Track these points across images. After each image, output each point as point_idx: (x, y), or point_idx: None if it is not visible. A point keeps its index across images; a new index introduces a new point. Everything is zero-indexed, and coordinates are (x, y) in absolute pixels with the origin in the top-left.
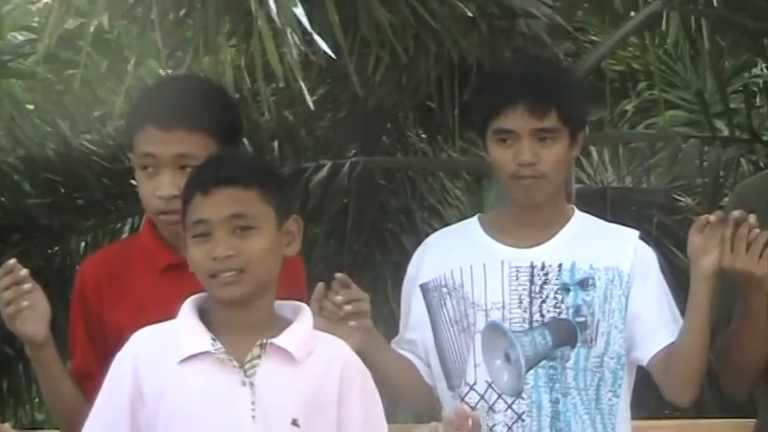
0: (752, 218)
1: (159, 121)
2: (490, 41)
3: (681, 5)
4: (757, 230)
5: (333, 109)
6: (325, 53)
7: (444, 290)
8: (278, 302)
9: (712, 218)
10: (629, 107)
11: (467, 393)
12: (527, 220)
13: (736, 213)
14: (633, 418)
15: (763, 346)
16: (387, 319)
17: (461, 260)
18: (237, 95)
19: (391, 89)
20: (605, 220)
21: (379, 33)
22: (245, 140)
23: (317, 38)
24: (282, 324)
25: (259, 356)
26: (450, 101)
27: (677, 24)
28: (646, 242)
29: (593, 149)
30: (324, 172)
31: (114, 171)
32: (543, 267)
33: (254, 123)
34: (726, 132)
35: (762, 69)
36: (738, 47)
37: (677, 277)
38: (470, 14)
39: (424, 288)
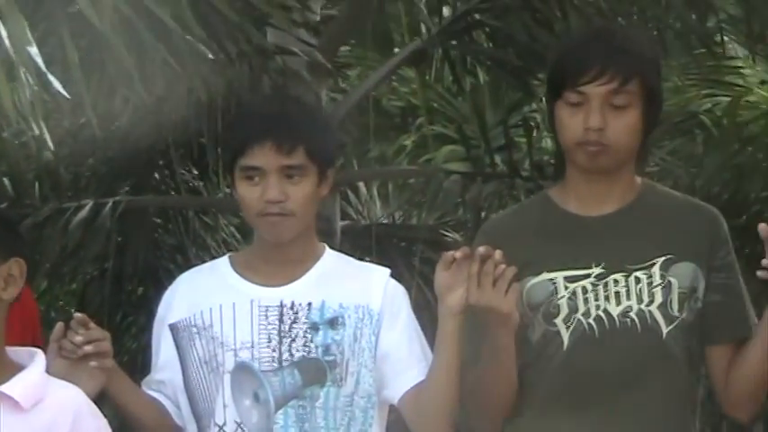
0: (498, 254)
1: None
2: (250, 79)
3: (443, 43)
4: (503, 266)
5: (103, 147)
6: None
7: (194, 329)
8: (14, 348)
9: (458, 254)
10: (407, 142)
11: None
12: (276, 259)
13: (481, 249)
14: None
15: (510, 384)
16: None
17: (211, 300)
18: None
19: (147, 129)
20: (371, 256)
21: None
22: (7, 180)
23: (51, 78)
24: (14, 369)
25: None
26: (214, 139)
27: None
28: (398, 280)
29: (361, 185)
30: (84, 212)
31: None
32: (293, 306)
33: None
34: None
35: (542, 101)
36: (501, 83)
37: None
38: (218, 54)
39: (174, 328)
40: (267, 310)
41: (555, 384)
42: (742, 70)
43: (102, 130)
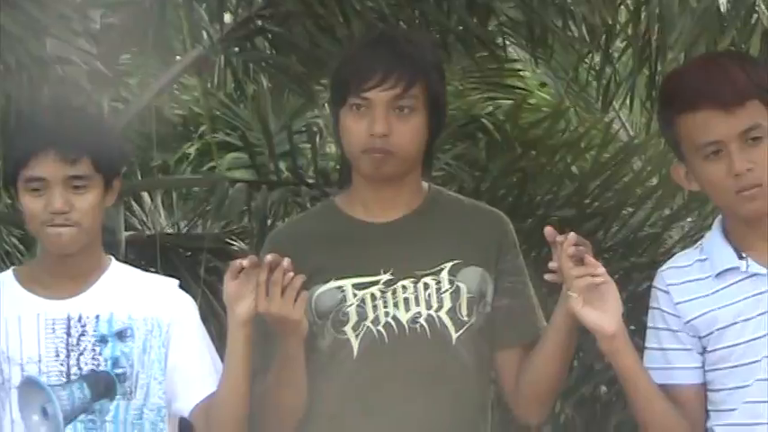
0: (286, 262)
1: None
2: (29, 90)
3: (225, 50)
4: (291, 274)
5: None
6: None
7: None
8: None
9: (246, 262)
10: (191, 150)
11: None
12: (62, 271)
13: (269, 257)
14: None
15: (300, 393)
16: None
17: None
18: None
19: None
20: (156, 266)
21: None
22: None
23: None
24: None
25: None
26: None
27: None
28: (185, 290)
29: (144, 195)
30: None
31: None
32: (80, 319)
33: None
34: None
35: (324, 107)
36: (284, 89)
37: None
38: None
39: None
40: (54, 323)
41: (345, 392)
42: (522, 73)
43: None
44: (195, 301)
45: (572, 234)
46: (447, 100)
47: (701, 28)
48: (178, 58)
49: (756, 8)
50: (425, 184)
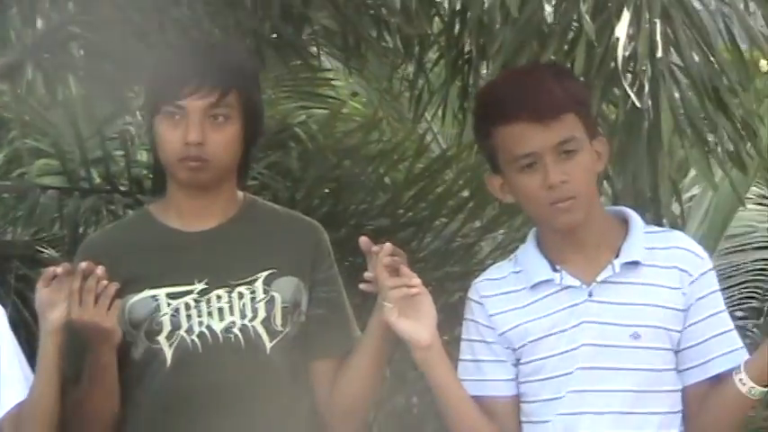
0: (100, 269)
1: None
2: None
3: (36, 55)
4: (105, 282)
5: None
6: None
7: None
8: None
9: (59, 270)
10: None
11: None
12: None
13: (83, 265)
14: None
15: (112, 402)
16: None
17: None
18: None
19: None
20: None
21: None
22: None
23: None
24: None
25: None
26: None
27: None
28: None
29: None
30: None
31: None
32: None
33: None
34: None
35: (137, 114)
36: (96, 95)
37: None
38: None
39: None
40: None
41: (159, 402)
42: (334, 82)
43: None
44: (6, 309)
45: (387, 244)
46: (263, 109)
47: (522, 40)
48: None
49: (578, 21)
50: (240, 194)
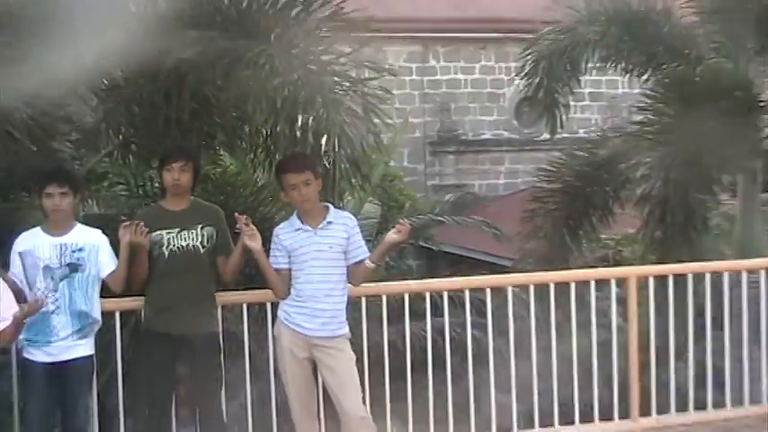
0: (141, 223)
1: None
2: None
3: None
4: (142, 225)
5: None
6: None
7: None
8: None
9: (127, 223)
10: None
11: None
12: None
13: (135, 222)
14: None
15: (143, 272)
16: None
17: None
18: None
19: None
20: None
21: None
22: None
23: None
24: None
25: None
26: None
27: None
28: None
29: None
30: None
31: None
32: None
33: None
34: None
35: None
36: None
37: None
38: None
39: None
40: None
41: (160, 274)
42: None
43: None
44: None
45: (244, 216)
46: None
47: None
48: None
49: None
50: (192, 197)
